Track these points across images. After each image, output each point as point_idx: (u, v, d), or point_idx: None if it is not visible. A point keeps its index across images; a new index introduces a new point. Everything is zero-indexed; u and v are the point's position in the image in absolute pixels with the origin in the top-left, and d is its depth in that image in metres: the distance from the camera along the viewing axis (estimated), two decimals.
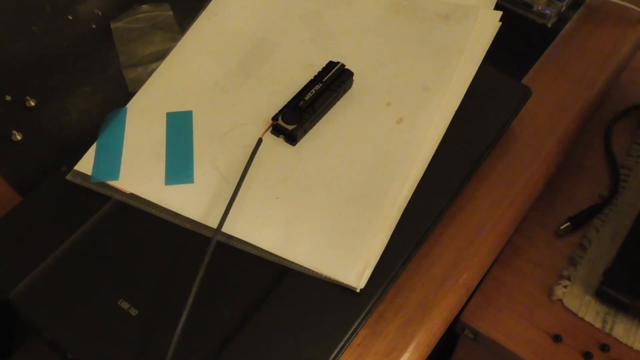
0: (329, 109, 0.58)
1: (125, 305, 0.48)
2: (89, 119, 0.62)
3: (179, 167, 0.54)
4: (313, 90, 0.57)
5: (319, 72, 0.58)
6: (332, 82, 0.57)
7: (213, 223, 0.51)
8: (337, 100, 0.58)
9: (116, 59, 0.65)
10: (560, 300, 0.63)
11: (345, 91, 0.59)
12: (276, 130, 0.56)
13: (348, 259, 0.50)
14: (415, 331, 0.51)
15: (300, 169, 0.55)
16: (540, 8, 0.71)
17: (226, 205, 0.51)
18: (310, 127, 0.57)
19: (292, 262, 0.50)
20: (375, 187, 0.53)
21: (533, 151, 0.62)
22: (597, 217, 0.67)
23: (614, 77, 0.71)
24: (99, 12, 0.69)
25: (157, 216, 0.52)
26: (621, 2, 0.73)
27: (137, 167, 0.54)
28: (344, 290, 0.49)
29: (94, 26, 0.68)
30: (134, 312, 0.48)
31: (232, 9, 0.65)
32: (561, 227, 0.67)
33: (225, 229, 0.51)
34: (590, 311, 0.62)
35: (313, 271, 0.49)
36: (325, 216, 0.52)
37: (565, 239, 0.67)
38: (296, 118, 0.55)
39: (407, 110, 0.58)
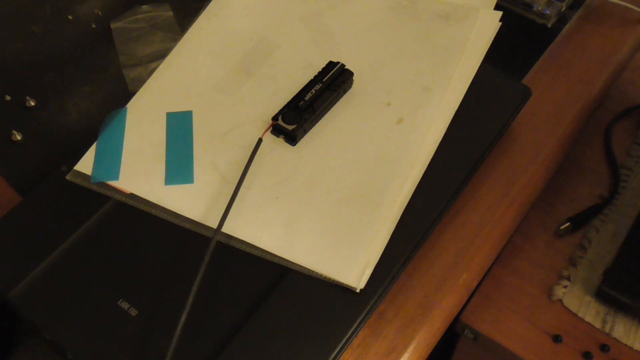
0: (329, 109, 0.58)
1: (125, 305, 0.48)
2: (89, 119, 0.62)
3: (179, 167, 0.54)
4: (313, 90, 0.57)
5: (319, 72, 0.58)
6: (332, 82, 0.57)
7: (213, 223, 0.51)
8: (337, 100, 0.58)
9: (116, 59, 0.65)
10: (560, 300, 0.63)
11: (345, 91, 0.59)
12: (276, 130, 0.56)
13: (348, 259, 0.50)
14: (415, 331, 0.51)
15: (300, 169, 0.55)
16: (540, 8, 0.71)
17: (226, 205, 0.51)
18: (310, 127, 0.57)
19: (292, 262, 0.50)
20: (375, 187, 0.53)
21: (533, 151, 0.62)
22: (597, 217, 0.67)
23: (614, 77, 0.71)
24: (99, 12, 0.69)
25: (157, 216, 0.52)
26: (621, 2, 0.73)
27: (137, 167, 0.54)
28: (344, 290, 0.49)
29: (94, 26, 0.68)
30: (134, 312, 0.48)
31: (232, 9, 0.65)
32: (561, 227, 0.67)
33: (225, 229, 0.51)
34: (590, 311, 0.62)
35: (313, 271, 0.49)
36: (325, 216, 0.52)
37: (565, 239, 0.67)
38: (296, 118, 0.55)
39: (407, 110, 0.58)
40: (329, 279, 0.49)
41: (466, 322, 0.62)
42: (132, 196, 0.53)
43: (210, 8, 0.65)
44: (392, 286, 0.50)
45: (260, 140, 0.55)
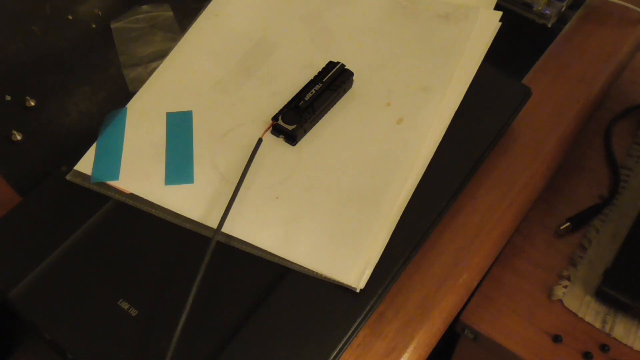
0: (329, 109, 0.58)
1: (125, 305, 0.48)
2: (89, 119, 0.62)
3: (179, 167, 0.54)
4: (313, 90, 0.57)
5: (319, 72, 0.58)
6: (332, 82, 0.57)
7: (213, 223, 0.51)
8: (337, 100, 0.58)
9: (116, 59, 0.65)
10: (560, 301, 0.63)
11: (345, 91, 0.59)
12: (276, 130, 0.56)
13: (348, 259, 0.50)
14: (415, 331, 0.51)
15: (300, 169, 0.55)
16: (540, 8, 0.71)
17: (226, 205, 0.51)
18: (310, 127, 0.57)
19: (292, 263, 0.50)
20: (376, 187, 0.53)
21: (533, 151, 0.62)
22: (597, 217, 0.67)
23: (614, 77, 0.71)
24: (99, 12, 0.69)
25: (157, 216, 0.52)
26: (621, 2, 0.73)
27: (137, 167, 0.54)
28: (344, 290, 0.49)
29: (94, 26, 0.68)
30: (134, 312, 0.48)
31: (232, 9, 0.65)
32: (561, 227, 0.67)
33: (225, 229, 0.51)
34: (590, 311, 0.62)
35: (313, 271, 0.49)
36: (325, 216, 0.52)
37: (565, 239, 0.67)
38: (296, 118, 0.55)
39: (407, 110, 0.58)
40: (329, 279, 0.49)
41: (466, 322, 0.62)
42: (132, 196, 0.53)
43: (210, 8, 0.65)
44: (392, 286, 0.50)
45: (260, 140, 0.55)
